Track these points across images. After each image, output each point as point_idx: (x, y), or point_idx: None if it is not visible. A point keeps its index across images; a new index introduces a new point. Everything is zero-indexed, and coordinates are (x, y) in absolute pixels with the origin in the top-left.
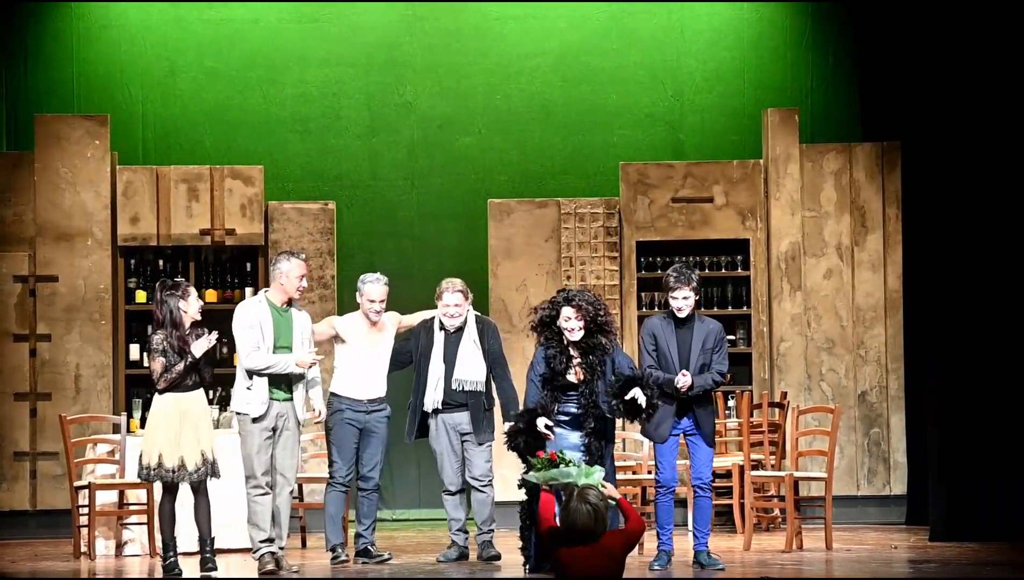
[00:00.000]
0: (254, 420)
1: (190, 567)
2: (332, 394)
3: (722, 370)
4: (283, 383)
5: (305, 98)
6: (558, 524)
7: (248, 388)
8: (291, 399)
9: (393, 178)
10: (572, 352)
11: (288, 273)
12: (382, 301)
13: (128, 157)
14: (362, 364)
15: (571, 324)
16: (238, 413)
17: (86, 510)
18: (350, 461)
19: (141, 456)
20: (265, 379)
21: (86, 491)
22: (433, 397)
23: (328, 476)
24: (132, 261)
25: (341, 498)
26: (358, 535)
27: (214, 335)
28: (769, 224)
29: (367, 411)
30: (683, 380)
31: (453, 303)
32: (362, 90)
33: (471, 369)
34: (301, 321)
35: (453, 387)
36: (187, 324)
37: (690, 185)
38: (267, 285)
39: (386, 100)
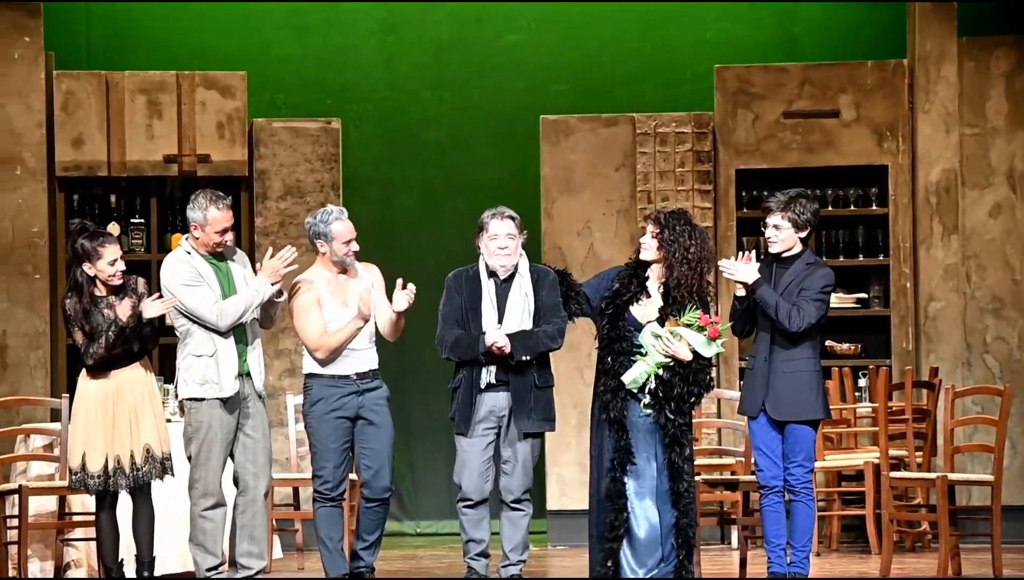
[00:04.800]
0: (220, 403)
1: None
2: (307, 377)
3: (803, 308)
4: (244, 351)
5: None
6: None
7: (210, 356)
8: (248, 374)
9: (415, 89)
10: (650, 284)
11: (204, 225)
12: (356, 237)
13: (68, 60)
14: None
15: (644, 239)
16: (192, 399)
17: (16, 522)
18: (340, 465)
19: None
20: (232, 344)
21: (15, 497)
22: (488, 368)
23: (313, 489)
24: (75, 197)
25: (333, 515)
26: (355, 555)
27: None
28: (915, 146)
29: (358, 391)
30: (729, 264)
31: (504, 233)
32: None
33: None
34: (241, 267)
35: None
36: (103, 291)
37: (808, 95)
38: (251, 225)
39: None
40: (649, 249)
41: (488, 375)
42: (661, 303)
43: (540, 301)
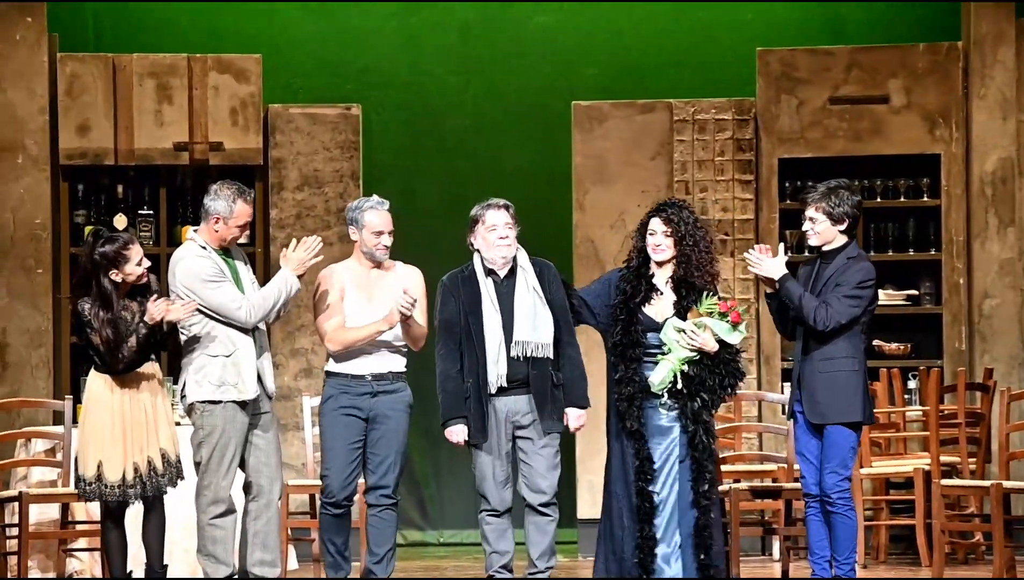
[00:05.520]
0: (237, 406)
1: None
2: (326, 374)
3: (832, 305)
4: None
5: None
6: None
7: (227, 356)
8: (259, 375)
9: (440, 73)
10: (657, 281)
11: (228, 218)
12: (391, 231)
13: (73, 41)
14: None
15: (657, 240)
16: (206, 402)
17: (16, 531)
18: (347, 468)
19: (75, 465)
20: (252, 343)
21: (15, 505)
22: (496, 372)
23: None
24: (80, 187)
25: (339, 523)
26: (367, 571)
27: (164, 305)
28: (969, 133)
29: (372, 392)
30: (755, 257)
31: (503, 222)
32: None
33: (535, 326)
34: (244, 265)
35: (512, 355)
36: (124, 292)
37: (856, 79)
38: (266, 216)
39: None
40: (665, 249)
41: (498, 379)
42: (674, 298)
43: (550, 296)
